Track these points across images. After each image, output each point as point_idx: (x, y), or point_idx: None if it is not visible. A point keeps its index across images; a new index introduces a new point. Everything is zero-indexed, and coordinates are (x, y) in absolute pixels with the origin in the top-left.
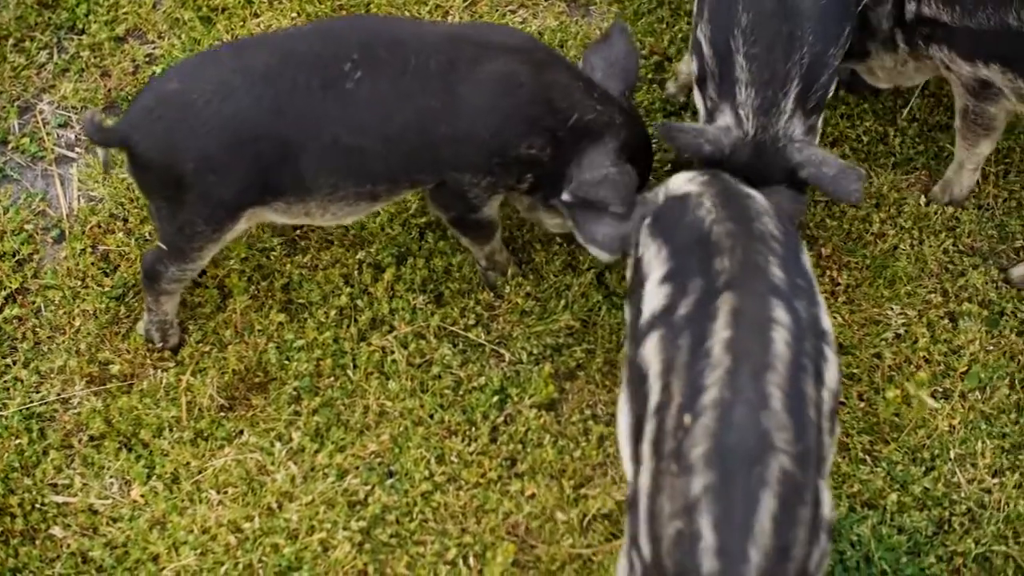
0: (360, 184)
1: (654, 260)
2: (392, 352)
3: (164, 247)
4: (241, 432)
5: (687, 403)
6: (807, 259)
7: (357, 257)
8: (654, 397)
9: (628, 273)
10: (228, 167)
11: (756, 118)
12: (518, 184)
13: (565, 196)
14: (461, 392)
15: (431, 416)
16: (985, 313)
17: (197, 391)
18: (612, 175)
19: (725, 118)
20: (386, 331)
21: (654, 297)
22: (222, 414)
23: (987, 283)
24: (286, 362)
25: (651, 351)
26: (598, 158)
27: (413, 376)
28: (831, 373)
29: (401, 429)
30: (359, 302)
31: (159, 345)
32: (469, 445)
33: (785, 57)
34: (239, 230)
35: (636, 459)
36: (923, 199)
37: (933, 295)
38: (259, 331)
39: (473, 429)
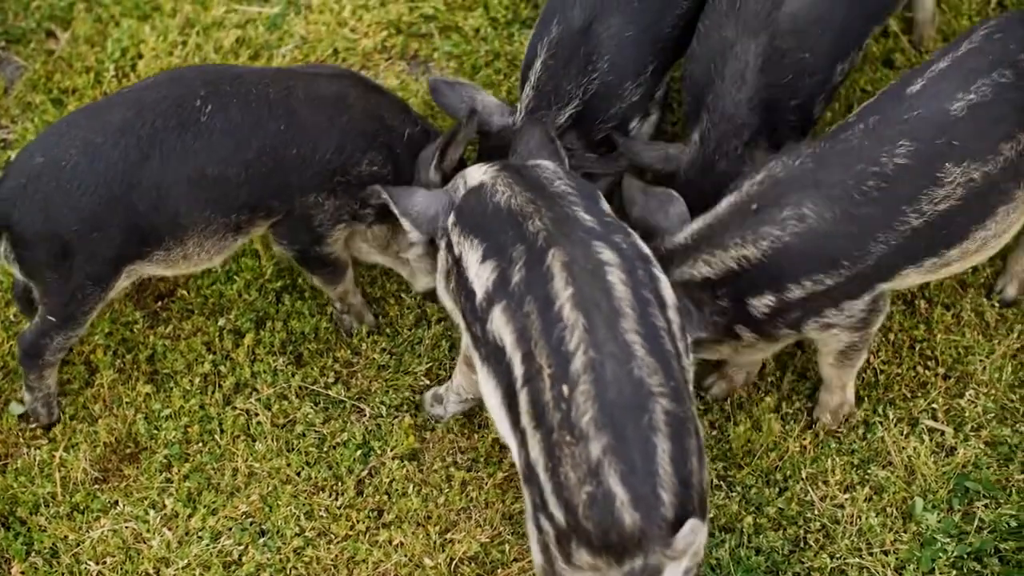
0: (227, 214)
1: (470, 252)
2: (257, 414)
3: (53, 319)
4: (116, 502)
5: (558, 372)
6: (607, 205)
7: (218, 324)
8: (518, 368)
9: (444, 276)
10: (108, 223)
11: (525, 117)
12: (362, 210)
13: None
14: (326, 449)
15: (298, 474)
16: None
17: (71, 465)
18: (426, 155)
19: (511, 112)
20: (249, 394)
21: (481, 276)
22: (96, 486)
23: None
24: (155, 431)
25: (500, 324)
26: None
27: (278, 436)
28: (667, 291)
29: (270, 488)
30: (222, 368)
31: (45, 422)
32: (336, 499)
33: (575, 77)
34: (120, 287)
35: (517, 429)
36: None
37: None
38: (127, 403)
39: (339, 484)
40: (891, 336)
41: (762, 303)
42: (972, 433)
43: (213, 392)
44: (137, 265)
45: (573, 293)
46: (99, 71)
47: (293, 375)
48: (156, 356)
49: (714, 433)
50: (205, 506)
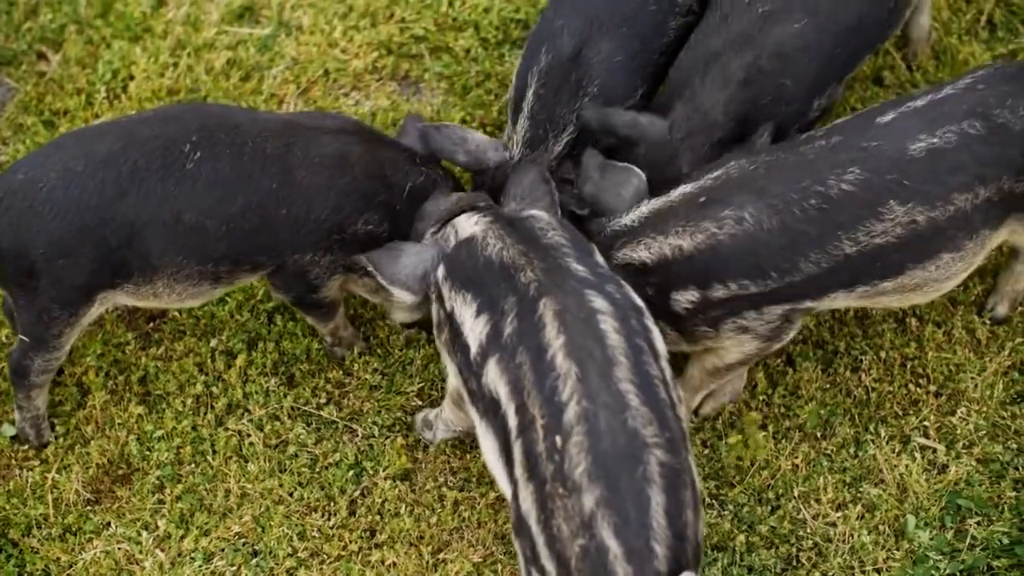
0: (203, 263)
1: (463, 307)
2: (249, 435)
3: (26, 339)
4: (108, 524)
5: (551, 423)
6: (601, 258)
7: (210, 345)
8: (512, 420)
9: (437, 327)
10: (76, 251)
11: (523, 149)
12: (355, 263)
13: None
14: (318, 469)
15: (291, 494)
16: (820, 353)
17: (63, 487)
18: (430, 209)
19: (505, 147)
20: (242, 415)
21: (475, 330)
22: (89, 508)
23: (819, 324)
24: (147, 452)
25: (494, 377)
26: (428, 206)
27: (271, 457)
28: (659, 342)
29: (263, 509)
30: (214, 389)
31: (35, 443)
32: (329, 520)
33: (568, 103)
34: (94, 314)
35: (511, 481)
36: None
37: None
38: (119, 424)
39: (332, 504)
40: (882, 354)
41: (685, 298)
42: (964, 450)
43: (205, 413)
44: (109, 294)
45: (565, 342)
46: (90, 93)
47: (285, 396)
48: (148, 377)
49: (706, 452)
50: (198, 527)
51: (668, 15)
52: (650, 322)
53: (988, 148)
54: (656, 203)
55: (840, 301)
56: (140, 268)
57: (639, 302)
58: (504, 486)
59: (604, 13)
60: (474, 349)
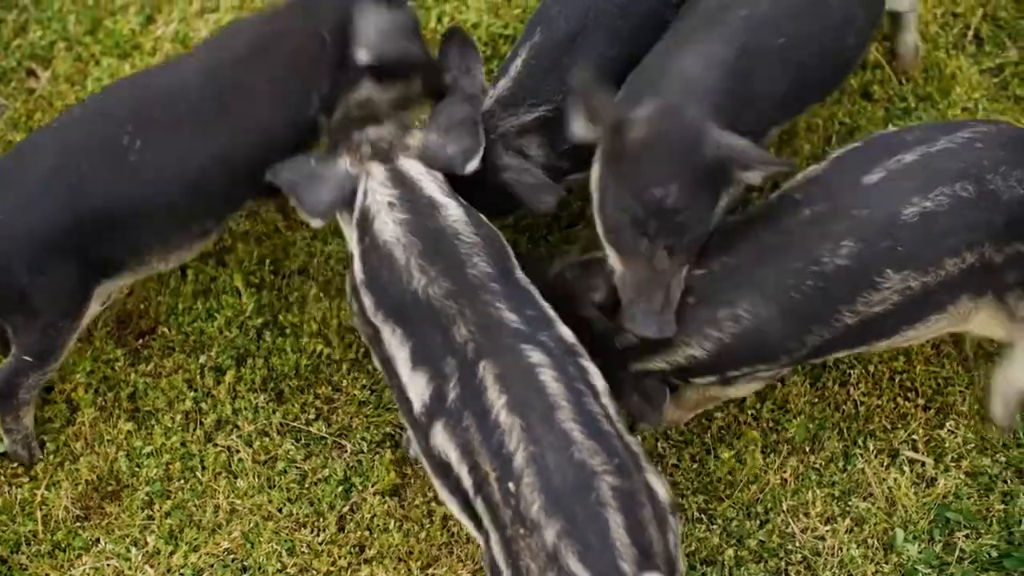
0: (187, 229)
1: (392, 340)
2: (238, 451)
3: (29, 359)
4: (98, 540)
5: (503, 474)
6: (520, 273)
7: (199, 361)
8: (467, 480)
9: (357, 325)
10: (58, 266)
11: (494, 104)
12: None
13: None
14: (307, 485)
15: (279, 510)
16: (808, 367)
17: (52, 503)
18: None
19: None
20: (231, 431)
21: (416, 386)
22: (78, 524)
23: None
24: (136, 469)
25: (443, 441)
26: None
27: (260, 473)
28: (598, 380)
29: (252, 525)
30: (203, 405)
31: (27, 463)
32: (318, 535)
33: (554, 83)
34: (94, 312)
35: (481, 532)
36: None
37: None
38: (108, 441)
39: (321, 520)
40: (871, 368)
41: (704, 381)
42: (952, 464)
43: (194, 429)
44: (107, 285)
45: (508, 400)
46: None
47: (274, 412)
48: (137, 394)
49: (695, 466)
50: (187, 543)
51: (666, 10)
52: (586, 362)
53: (976, 213)
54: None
55: (839, 354)
56: (130, 257)
57: (572, 341)
58: (475, 534)
59: (602, 3)
60: (418, 407)
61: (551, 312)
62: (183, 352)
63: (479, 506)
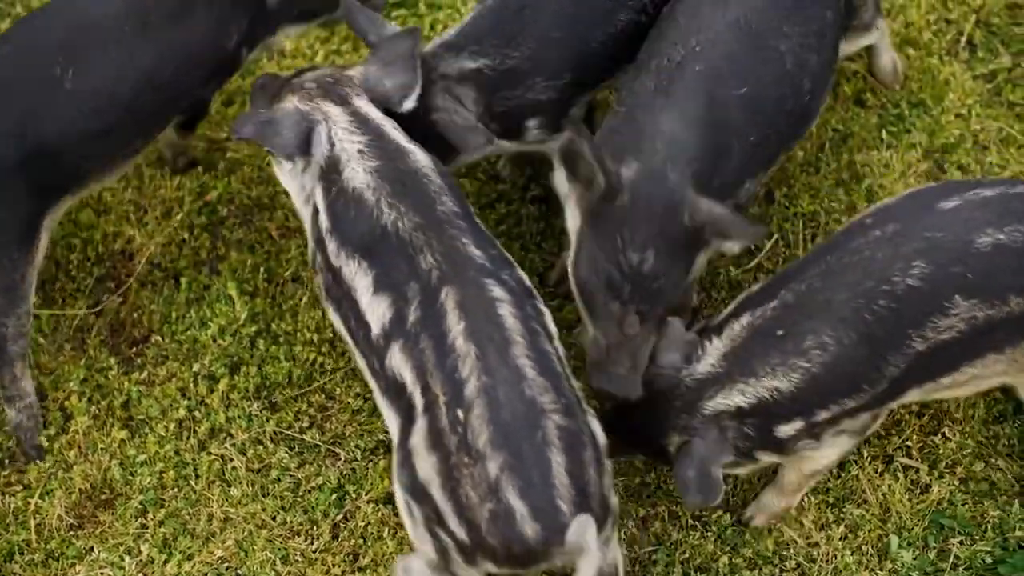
0: (123, 149)
1: (357, 274)
2: (232, 459)
3: None
4: (91, 549)
5: (453, 399)
6: (480, 223)
7: (192, 370)
8: (418, 401)
9: (312, 268)
10: (7, 199)
11: (436, 47)
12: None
13: None
14: (301, 493)
15: (273, 519)
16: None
17: (46, 512)
18: None
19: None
20: (224, 439)
21: (376, 310)
22: (71, 533)
23: None
24: (130, 477)
25: (399, 362)
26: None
27: (253, 481)
28: (551, 324)
29: (245, 533)
30: (197, 413)
31: (32, 442)
32: (312, 544)
33: (503, 42)
34: (46, 241)
35: (405, 449)
36: (731, 270)
37: None
38: (102, 449)
39: (315, 528)
40: None
41: (790, 428)
42: (947, 470)
43: (188, 437)
44: (50, 215)
45: (466, 327)
46: None
47: (268, 420)
48: (131, 402)
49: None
50: (181, 552)
51: (619, 6)
52: (542, 305)
53: None
54: (724, 343)
55: (912, 397)
56: (71, 182)
57: (529, 284)
58: (396, 450)
59: None
60: (376, 330)
61: (511, 258)
62: (176, 360)
63: (419, 424)
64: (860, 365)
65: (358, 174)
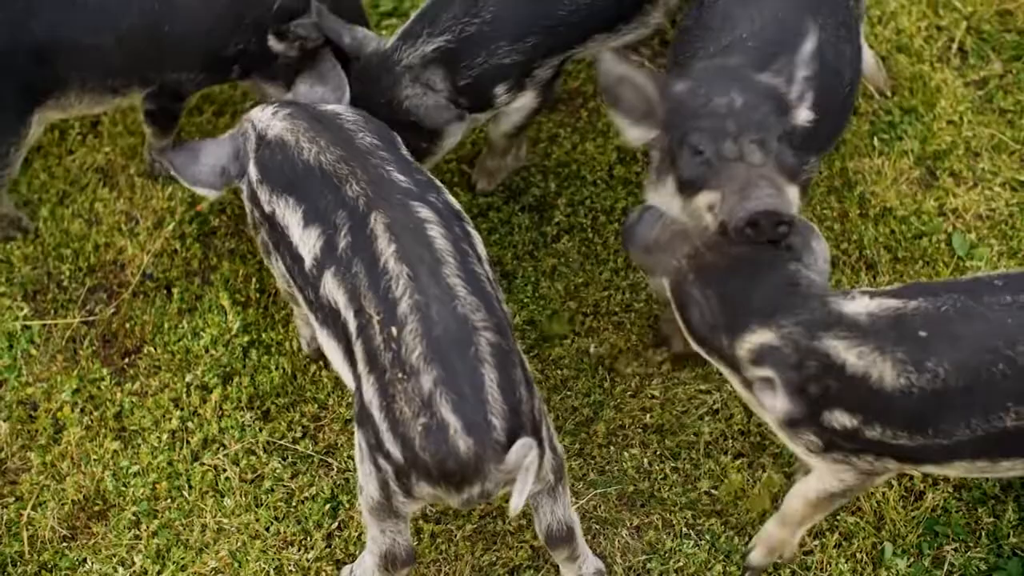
0: (105, 79)
1: (287, 213)
2: (225, 470)
3: None
4: (84, 560)
5: (387, 317)
6: (407, 151)
7: (185, 380)
8: (352, 323)
9: (253, 227)
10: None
11: (397, 40)
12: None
13: None
14: (294, 503)
15: (267, 529)
16: None
17: (38, 524)
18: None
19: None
20: (217, 450)
21: (307, 242)
22: (64, 544)
23: None
24: (123, 488)
25: (332, 288)
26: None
27: (247, 491)
28: (480, 247)
29: (239, 544)
30: (190, 424)
31: (21, 232)
32: (306, 554)
33: (457, 13)
34: (35, 134)
35: (354, 375)
36: None
37: None
38: (95, 460)
39: (308, 538)
40: None
41: (844, 420)
42: (940, 478)
43: (181, 448)
44: (39, 113)
45: (396, 249)
46: (64, 129)
47: (261, 430)
48: (123, 413)
49: (681, 481)
50: (174, 562)
51: None
52: (471, 227)
53: None
54: (876, 307)
55: (954, 471)
56: (57, 84)
57: (458, 207)
58: (349, 382)
59: None
60: (308, 261)
61: (441, 184)
62: (169, 371)
63: (358, 348)
64: (944, 411)
65: (276, 126)
